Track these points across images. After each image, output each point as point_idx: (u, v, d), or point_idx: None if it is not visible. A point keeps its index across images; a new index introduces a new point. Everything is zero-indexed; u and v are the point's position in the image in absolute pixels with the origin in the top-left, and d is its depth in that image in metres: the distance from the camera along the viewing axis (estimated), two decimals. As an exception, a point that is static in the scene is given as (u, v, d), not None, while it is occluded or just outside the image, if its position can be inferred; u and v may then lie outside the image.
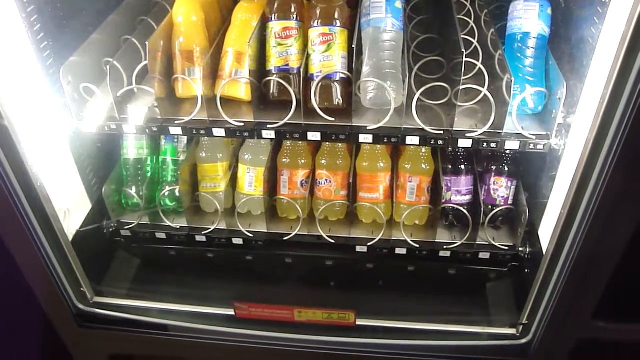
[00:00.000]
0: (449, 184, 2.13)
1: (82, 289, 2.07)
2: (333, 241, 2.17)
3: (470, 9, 2.12)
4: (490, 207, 2.14)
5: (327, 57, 1.76)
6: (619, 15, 1.37)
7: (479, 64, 1.85)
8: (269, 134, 1.82)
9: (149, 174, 2.28)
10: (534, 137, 1.75)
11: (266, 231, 2.21)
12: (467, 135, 1.75)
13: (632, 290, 1.84)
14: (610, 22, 1.46)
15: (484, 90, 1.77)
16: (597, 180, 1.49)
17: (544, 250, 1.81)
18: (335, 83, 1.78)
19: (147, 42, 1.78)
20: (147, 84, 1.93)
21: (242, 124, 1.82)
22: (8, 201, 1.71)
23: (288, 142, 2.17)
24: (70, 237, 2.01)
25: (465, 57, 1.71)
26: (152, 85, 1.86)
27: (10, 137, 1.62)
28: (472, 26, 2.06)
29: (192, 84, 1.85)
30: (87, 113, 1.94)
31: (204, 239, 2.22)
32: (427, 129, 1.76)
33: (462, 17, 2.09)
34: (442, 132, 1.76)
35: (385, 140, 1.80)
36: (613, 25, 1.42)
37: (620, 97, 1.37)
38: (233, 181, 2.24)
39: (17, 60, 1.72)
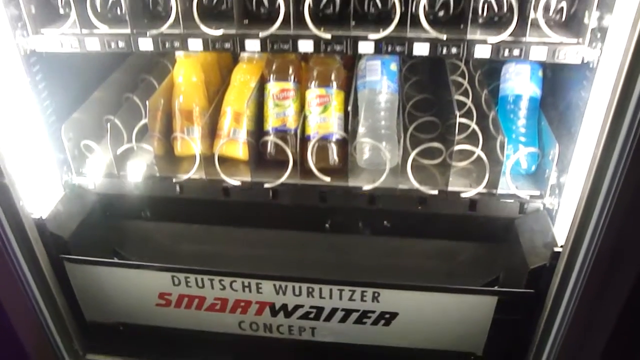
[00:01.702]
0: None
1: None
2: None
3: (465, 69, 2.18)
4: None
5: (324, 119, 1.79)
6: (607, 79, 1.41)
7: (473, 124, 1.89)
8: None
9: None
10: (528, 198, 1.77)
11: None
12: (462, 195, 1.77)
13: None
14: (598, 86, 1.50)
15: (478, 151, 1.80)
16: (589, 242, 1.50)
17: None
18: (332, 144, 1.81)
19: (147, 102, 1.82)
20: (146, 141, 1.96)
21: (239, 183, 1.84)
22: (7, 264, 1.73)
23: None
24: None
25: (460, 118, 1.75)
26: (152, 143, 1.89)
27: (10, 195, 1.63)
28: (466, 87, 2.11)
29: (191, 143, 1.88)
30: (87, 169, 1.98)
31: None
32: (422, 189, 1.78)
33: (456, 77, 2.14)
34: (436, 192, 1.79)
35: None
36: (601, 89, 1.47)
37: (610, 157, 1.38)
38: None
39: (20, 117, 1.76)
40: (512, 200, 1.82)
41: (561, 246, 1.60)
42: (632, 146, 1.33)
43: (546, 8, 1.54)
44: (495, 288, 1.83)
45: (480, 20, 1.59)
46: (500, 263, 1.92)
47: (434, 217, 1.93)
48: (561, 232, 1.67)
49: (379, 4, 1.56)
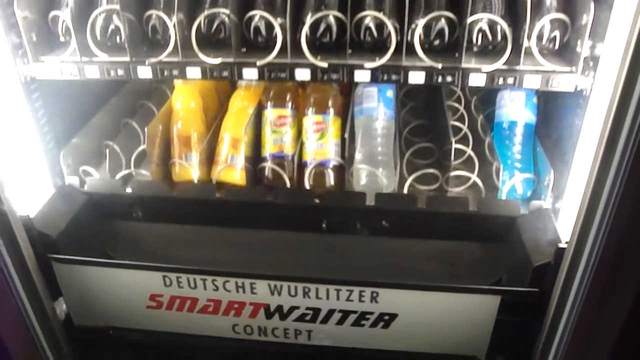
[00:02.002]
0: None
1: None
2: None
3: (461, 94, 2.20)
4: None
5: (321, 145, 1.81)
6: (600, 106, 1.43)
7: (469, 150, 1.91)
8: (263, 217, 1.86)
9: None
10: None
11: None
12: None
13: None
14: (591, 113, 1.52)
15: (474, 177, 1.82)
16: (582, 275, 1.50)
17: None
18: (329, 170, 1.83)
19: (146, 128, 1.83)
20: (145, 167, 1.97)
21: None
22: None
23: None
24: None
25: (455, 143, 1.77)
26: (150, 168, 1.91)
27: (9, 224, 1.63)
28: (462, 112, 2.13)
29: (189, 169, 1.89)
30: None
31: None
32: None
33: (452, 102, 2.16)
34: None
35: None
36: (595, 116, 1.49)
37: (604, 184, 1.39)
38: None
39: (19, 142, 1.77)
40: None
41: (566, 242, 1.56)
42: (625, 173, 1.34)
43: (539, 37, 1.57)
44: (498, 287, 1.77)
45: (475, 49, 1.61)
46: (503, 264, 1.87)
47: (434, 217, 1.86)
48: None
49: (375, 33, 1.58)
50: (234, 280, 1.73)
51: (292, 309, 1.77)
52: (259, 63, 1.58)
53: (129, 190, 1.92)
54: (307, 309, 1.76)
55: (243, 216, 1.91)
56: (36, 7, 1.71)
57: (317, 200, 1.83)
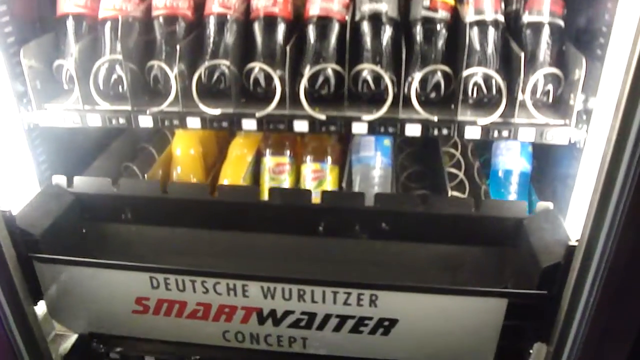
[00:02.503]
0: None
1: None
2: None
3: (457, 140, 2.23)
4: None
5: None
6: (594, 158, 1.46)
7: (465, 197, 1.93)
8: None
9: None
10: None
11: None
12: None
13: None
14: (585, 164, 1.55)
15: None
16: (594, 275, 1.45)
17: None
18: (326, 217, 1.84)
19: (146, 175, 1.85)
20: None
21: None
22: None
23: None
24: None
25: (452, 190, 1.79)
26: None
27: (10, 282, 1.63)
28: (458, 158, 2.16)
29: (188, 215, 1.90)
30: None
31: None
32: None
33: (449, 148, 2.19)
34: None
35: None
36: (589, 167, 1.52)
37: (599, 234, 1.39)
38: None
39: (19, 186, 1.80)
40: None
41: (577, 241, 1.48)
42: (620, 223, 1.34)
43: (534, 90, 1.60)
44: (505, 289, 1.66)
45: (470, 101, 1.64)
46: (510, 269, 1.78)
47: (437, 219, 1.77)
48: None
49: (372, 85, 1.61)
50: (224, 282, 1.61)
51: (287, 313, 1.65)
52: (257, 114, 1.61)
53: (117, 190, 1.86)
54: (302, 313, 1.64)
55: (237, 218, 1.83)
56: (42, 56, 1.76)
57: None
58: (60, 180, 1.85)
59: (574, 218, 1.63)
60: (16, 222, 1.62)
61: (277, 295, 1.60)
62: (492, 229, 1.73)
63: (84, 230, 1.89)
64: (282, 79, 1.61)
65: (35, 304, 1.76)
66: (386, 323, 1.62)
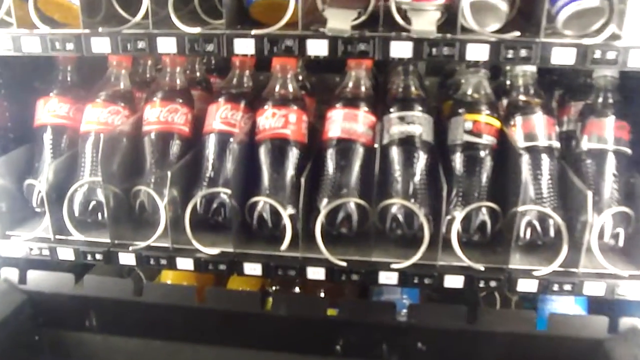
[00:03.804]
0: None
1: None
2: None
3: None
4: None
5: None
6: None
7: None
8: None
9: None
10: None
11: None
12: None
13: None
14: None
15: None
16: None
17: None
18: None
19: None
20: None
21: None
22: None
23: None
24: None
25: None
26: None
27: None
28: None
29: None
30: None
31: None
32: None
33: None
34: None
35: None
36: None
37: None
38: None
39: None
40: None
41: None
42: None
43: (600, 234, 1.31)
44: None
45: (520, 243, 1.35)
46: None
47: (490, 337, 1.45)
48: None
49: (404, 225, 1.32)
50: None
51: None
52: (262, 255, 1.32)
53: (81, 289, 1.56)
54: None
55: (231, 330, 1.52)
56: (12, 174, 1.52)
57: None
58: (10, 274, 1.57)
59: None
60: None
61: None
62: (562, 352, 1.41)
63: (36, 338, 1.59)
64: (292, 218, 1.33)
65: None
66: None
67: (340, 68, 1.48)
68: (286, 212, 1.31)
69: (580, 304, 1.60)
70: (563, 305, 1.60)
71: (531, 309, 1.69)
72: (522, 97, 1.44)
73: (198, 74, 1.69)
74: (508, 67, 1.56)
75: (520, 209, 1.28)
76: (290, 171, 1.36)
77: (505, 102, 1.48)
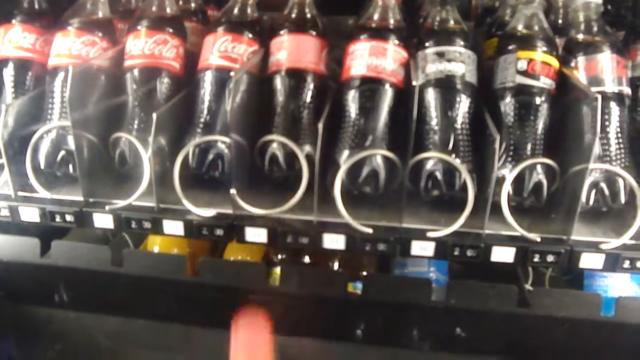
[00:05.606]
0: None
1: None
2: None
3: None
4: None
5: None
6: None
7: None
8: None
9: None
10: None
11: None
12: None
13: None
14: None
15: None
16: None
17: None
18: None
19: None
20: None
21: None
22: None
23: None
24: None
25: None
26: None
27: None
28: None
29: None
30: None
31: None
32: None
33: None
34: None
35: None
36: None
37: None
38: None
39: None
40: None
41: None
42: None
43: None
44: None
45: (581, 209, 1.11)
46: None
47: (543, 323, 1.21)
48: None
49: (442, 184, 1.08)
50: None
51: None
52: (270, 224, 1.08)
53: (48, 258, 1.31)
54: None
55: (229, 309, 1.28)
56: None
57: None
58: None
59: None
60: None
61: None
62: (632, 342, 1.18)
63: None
64: (310, 159, 1.08)
65: None
66: None
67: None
68: (303, 153, 1.07)
69: (636, 281, 1.38)
70: (616, 282, 1.37)
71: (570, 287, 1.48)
72: (582, 36, 1.19)
73: (193, 4, 1.42)
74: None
75: (591, 166, 1.04)
76: (307, 111, 1.12)
77: (560, 42, 1.24)
